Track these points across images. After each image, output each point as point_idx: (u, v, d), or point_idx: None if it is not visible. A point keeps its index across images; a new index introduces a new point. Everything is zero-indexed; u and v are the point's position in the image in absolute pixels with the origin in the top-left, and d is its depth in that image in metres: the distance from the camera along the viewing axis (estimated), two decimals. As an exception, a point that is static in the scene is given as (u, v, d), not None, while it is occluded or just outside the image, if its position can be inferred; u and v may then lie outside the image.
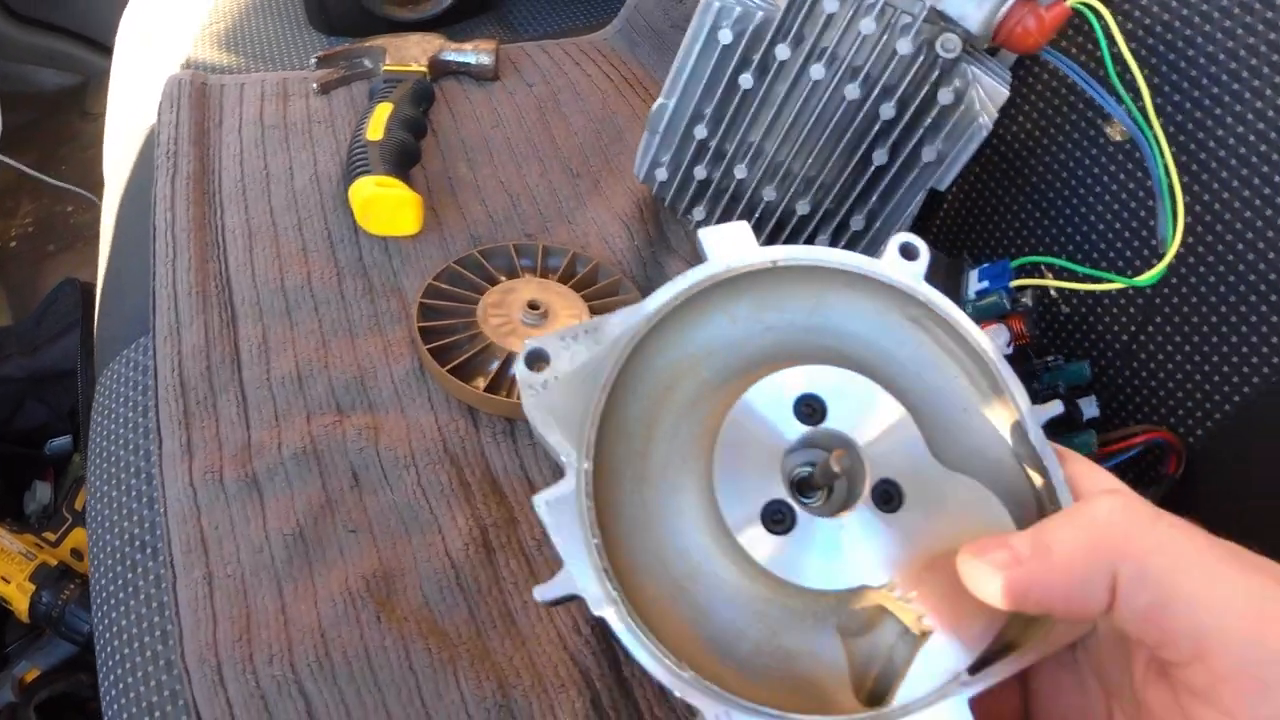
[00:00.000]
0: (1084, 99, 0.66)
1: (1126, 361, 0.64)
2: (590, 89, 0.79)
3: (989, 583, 0.26)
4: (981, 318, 0.62)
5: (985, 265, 0.62)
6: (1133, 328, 0.63)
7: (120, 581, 0.61)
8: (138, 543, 0.62)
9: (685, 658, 0.27)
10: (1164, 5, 0.60)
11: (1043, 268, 0.64)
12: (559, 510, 0.28)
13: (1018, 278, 0.62)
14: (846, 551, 0.29)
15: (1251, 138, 0.58)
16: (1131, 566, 0.24)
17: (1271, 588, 0.23)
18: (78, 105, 1.65)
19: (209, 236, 0.69)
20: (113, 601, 0.61)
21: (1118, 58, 0.59)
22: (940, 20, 0.57)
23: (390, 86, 0.74)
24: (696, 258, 0.75)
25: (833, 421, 0.30)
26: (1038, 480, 0.31)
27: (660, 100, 0.64)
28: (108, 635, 0.61)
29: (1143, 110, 0.58)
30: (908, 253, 0.33)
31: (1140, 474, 0.61)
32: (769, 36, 0.59)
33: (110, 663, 0.60)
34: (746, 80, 0.60)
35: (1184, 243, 0.59)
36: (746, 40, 0.60)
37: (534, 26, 0.93)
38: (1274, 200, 0.57)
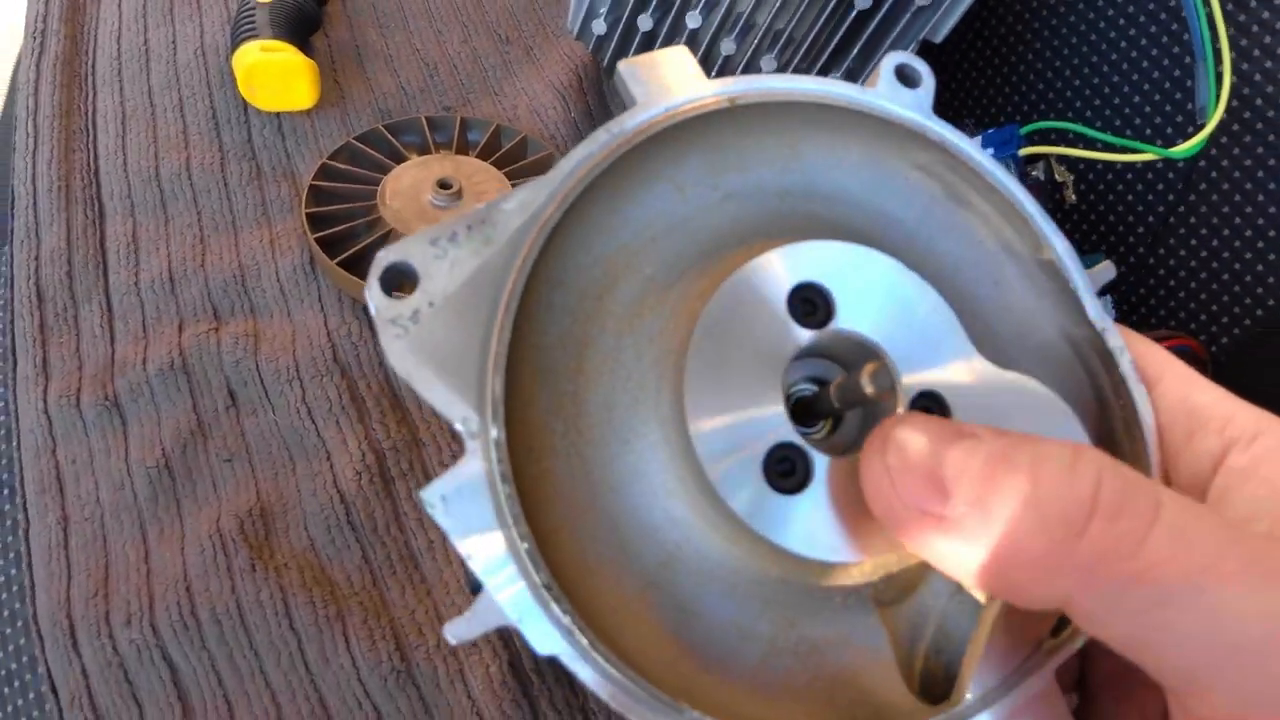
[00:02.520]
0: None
1: (1148, 255, 0.51)
2: (529, -58, 0.67)
3: (889, 513, 0.18)
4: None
5: (990, 130, 0.50)
6: (1161, 209, 0.51)
7: (-23, 528, 0.53)
8: (-3, 483, 0.53)
9: (673, 682, 0.18)
10: None
11: (1068, 137, 0.52)
12: (462, 505, 0.18)
13: (1028, 146, 0.50)
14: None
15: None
16: (1097, 600, 0.16)
17: None
18: None
19: (77, 123, 0.59)
20: (-28, 552, 0.53)
21: None
22: None
23: (287, -60, 0.62)
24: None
25: (843, 319, 0.20)
26: (1099, 369, 0.21)
27: (594, -73, 0.52)
28: (-31, 592, 0.53)
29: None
30: (907, 78, 0.23)
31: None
32: None
33: (-30, 624, 0.52)
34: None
35: (1225, 111, 0.46)
36: None
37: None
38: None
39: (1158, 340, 0.22)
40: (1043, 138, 0.54)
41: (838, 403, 0.20)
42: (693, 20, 0.52)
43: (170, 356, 0.50)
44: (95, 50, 0.62)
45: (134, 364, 0.50)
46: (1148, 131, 0.52)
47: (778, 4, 0.50)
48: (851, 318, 0.20)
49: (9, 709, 0.47)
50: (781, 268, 0.20)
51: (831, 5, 0.49)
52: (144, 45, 0.62)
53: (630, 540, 0.20)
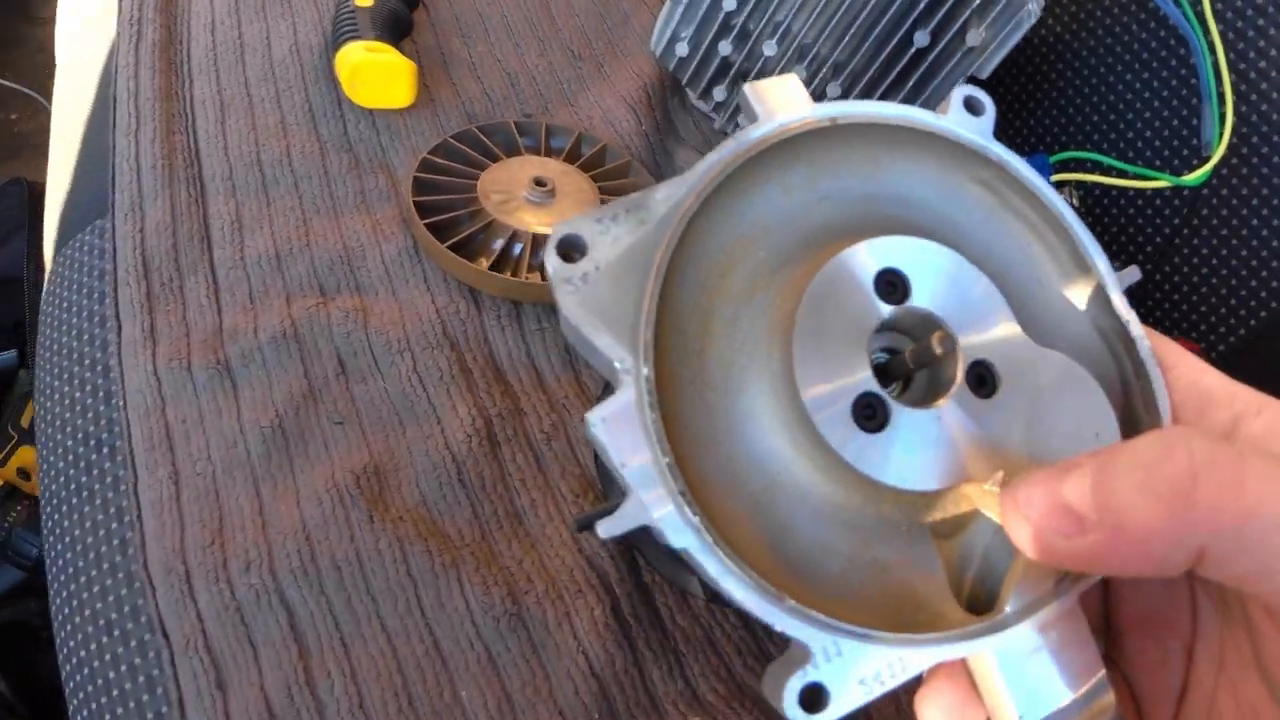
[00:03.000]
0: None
1: (1155, 270, 0.59)
2: (596, -31, 0.73)
3: (1045, 548, 0.21)
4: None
5: (1023, 158, 0.57)
6: (1167, 230, 0.58)
7: (73, 486, 0.54)
8: (93, 441, 0.55)
9: (773, 583, 0.22)
10: None
11: (1090, 163, 0.59)
12: (617, 428, 0.22)
13: (1057, 173, 0.57)
14: (945, 445, 0.24)
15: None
16: (1227, 537, 0.19)
17: None
18: (24, 9, 1.54)
19: (176, 107, 0.62)
20: (64, 509, 0.55)
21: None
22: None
23: (379, -48, 0.67)
24: (707, 148, 0.68)
25: (917, 298, 0.25)
26: (1124, 355, 0.26)
27: (688, -36, 0.58)
28: (59, 548, 0.55)
29: (1197, 8, 0.54)
30: (973, 107, 0.28)
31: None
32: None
33: (62, 578, 0.53)
34: (788, -58, 0.54)
35: (1229, 144, 0.54)
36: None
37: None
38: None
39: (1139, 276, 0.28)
40: (1065, 166, 0.61)
41: (912, 363, 0.24)
42: (768, 49, 0.57)
43: (282, 326, 0.53)
44: (190, 40, 0.65)
45: (245, 332, 0.53)
46: (1158, 162, 0.59)
47: (844, 39, 0.56)
48: (923, 297, 0.25)
49: (106, 658, 0.49)
50: (868, 256, 0.25)
51: (894, 43, 0.56)
52: (239, 39, 0.65)
53: (740, 468, 0.24)
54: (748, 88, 0.27)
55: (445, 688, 0.44)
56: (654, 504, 0.22)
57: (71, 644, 0.51)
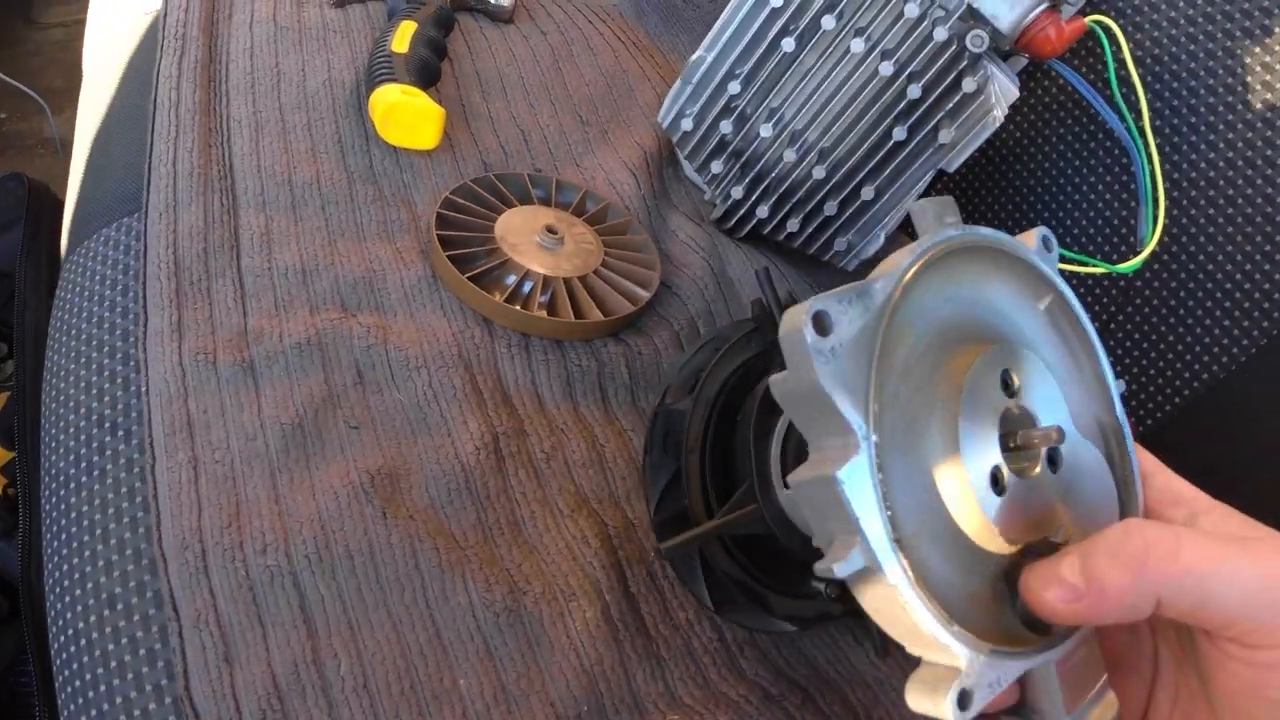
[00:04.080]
0: (1078, 106, 0.72)
1: None
2: (602, 45, 0.80)
3: (1054, 612, 0.30)
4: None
5: None
6: (1104, 316, 0.68)
7: (82, 464, 0.57)
8: (106, 424, 0.58)
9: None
10: (1165, 33, 0.66)
11: None
12: (854, 484, 0.28)
13: None
14: (1034, 508, 0.32)
15: (1227, 159, 0.64)
16: (1172, 586, 0.29)
17: (1274, 565, 0.29)
18: (24, 12, 1.55)
19: (213, 123, 0.66)
20: (71, 485, 0.57)
21: (1121, 74, 0.64)
22: (972, 17, 0.61)
23: (413, 8, 0.73)
24: (696, 215, 0.76)
25: (1021, 396, 0.33)
26: (1115, 449, 0.36)
27: (699, 53, 0.66)
28: (63, 521, 0.57)
29: (1139, 124, 0.64)
30: (1048, 245, 0.37)
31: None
32: (817, 6, 0.62)
33: (64, 551, 0.56)
34: (789, 44, 0.63)
35: (1160, 241, 0.65)
36: (795, 6, 0.63)
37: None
38: (1240, 216, 0.63)
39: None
40: None
41: (1023, 447, 0.32)
42: (764, 131, 0.66)
43: (306, 334, 0.57)
44: (229, 62, 0.70)
45: (270, 335, 0.57)
46: (1098, 251, 0.69)
47: (831, 128, 0.65)
48: (1024, 394, 0.33)
49: (106, 630, 0.52)
50: (998, 357, 0.33)
51: (875, 135, 0.64)
52: (275, 67, 0.70)
53: (920, 520, 0.30)
54: (914, 206, 0.34)
55: (445, 675, 0.48)
56: (878, 551, 0.28)
57: (68, 615, 0.54)
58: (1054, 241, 0.37)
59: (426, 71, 0.68)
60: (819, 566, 0.28)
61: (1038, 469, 0.32)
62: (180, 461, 0.54)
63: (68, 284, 0.65)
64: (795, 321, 0.28)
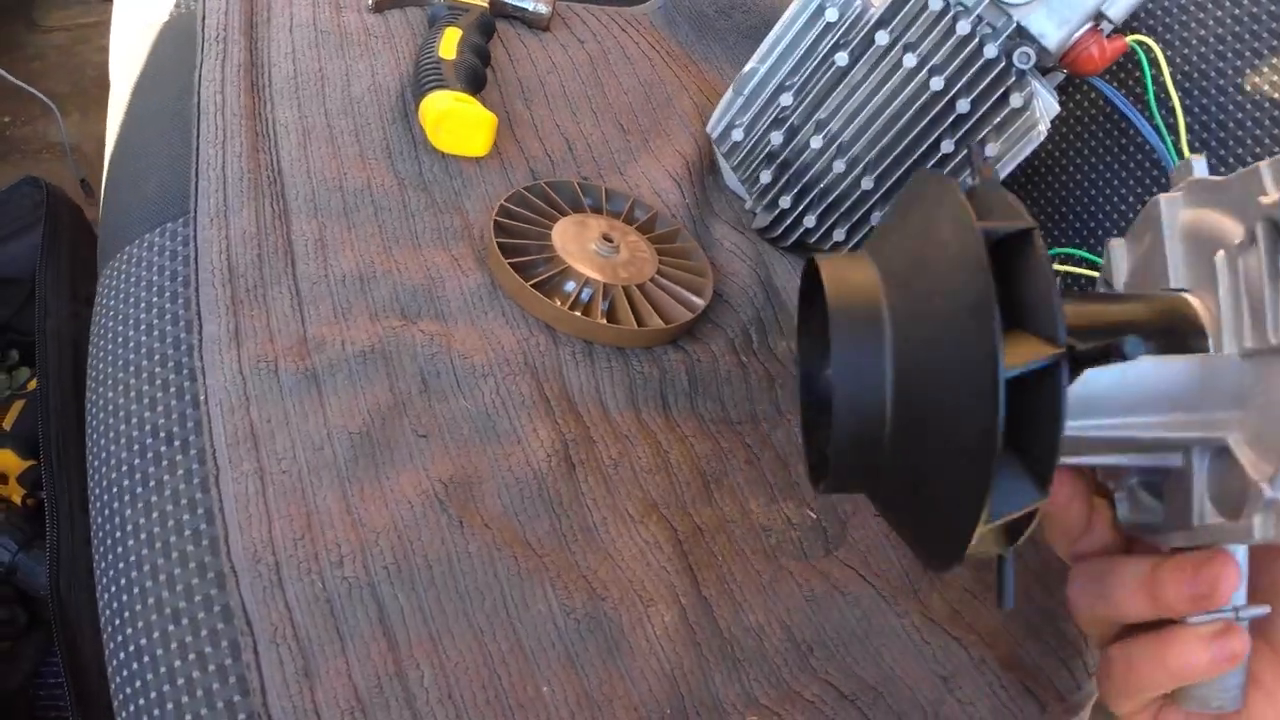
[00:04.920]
0: (1110, 119, 0.74)
1: None
2: (638, 54, 0.81)
3: None
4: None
5: None
6: None
7: (138, 476, 0.56)
8: (163, 434, 0.57)
9: None
10: (1204, 54, 0.68)
11: (1076, 258, 0.70)
12: None
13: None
14: None
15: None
16: None
17: None
18: (25, 15, 1.51)
19: (260, 127, 0.65)
20: (126, 498, 0.56)
21: (1160, 89, 0.66)
22: (1020, 35, 0.63)
23: (456, 14, 0.72)
24: (738, 224, 0.77)
25: None
26: None
27: (752, 64, 0.67)
28: (117, 535, 0.55)
29: (1177, 142, 0.66)
30: None
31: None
32: (871, 22, 0.63)
33: (120, 565, 0.54)
34: (842, 58, 0.64)
35: None
36: (849, 22, 0.64)
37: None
38: None
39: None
40: (1056, 260, 0.72)
41: None
42: (815, 142, 0.66)
43: (370, 341, 0.57)
44: (271, 67, 0.69)
45: (332, 343, 0.57)
46: None
47: (880, 142, 0.66)
48: None
49: (172, 646, 0.50)
50: None
51: (923, 148, 0.65)
52: (319, 71, 0.69)
53: None
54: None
55: (529, 683, 0.48)
56: None
57: (127, 631, 0.52)
58: None
59: (475, 78, 0.68)
60: None
61: None
62: (246, 472, 0.53)
63: (110, 290, 0.63)
64: None
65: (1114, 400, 0.33)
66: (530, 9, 0.79)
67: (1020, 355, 0.28)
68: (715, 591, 0.54)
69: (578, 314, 0.59)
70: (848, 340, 0.32)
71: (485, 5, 0.76)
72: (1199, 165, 0.38)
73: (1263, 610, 0.34)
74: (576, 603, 0.50)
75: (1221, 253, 0.34)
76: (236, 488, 0.52)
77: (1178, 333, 0.34)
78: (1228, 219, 0.35)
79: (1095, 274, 0.69)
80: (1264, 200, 0.31)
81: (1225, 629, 0.33)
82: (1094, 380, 0.32)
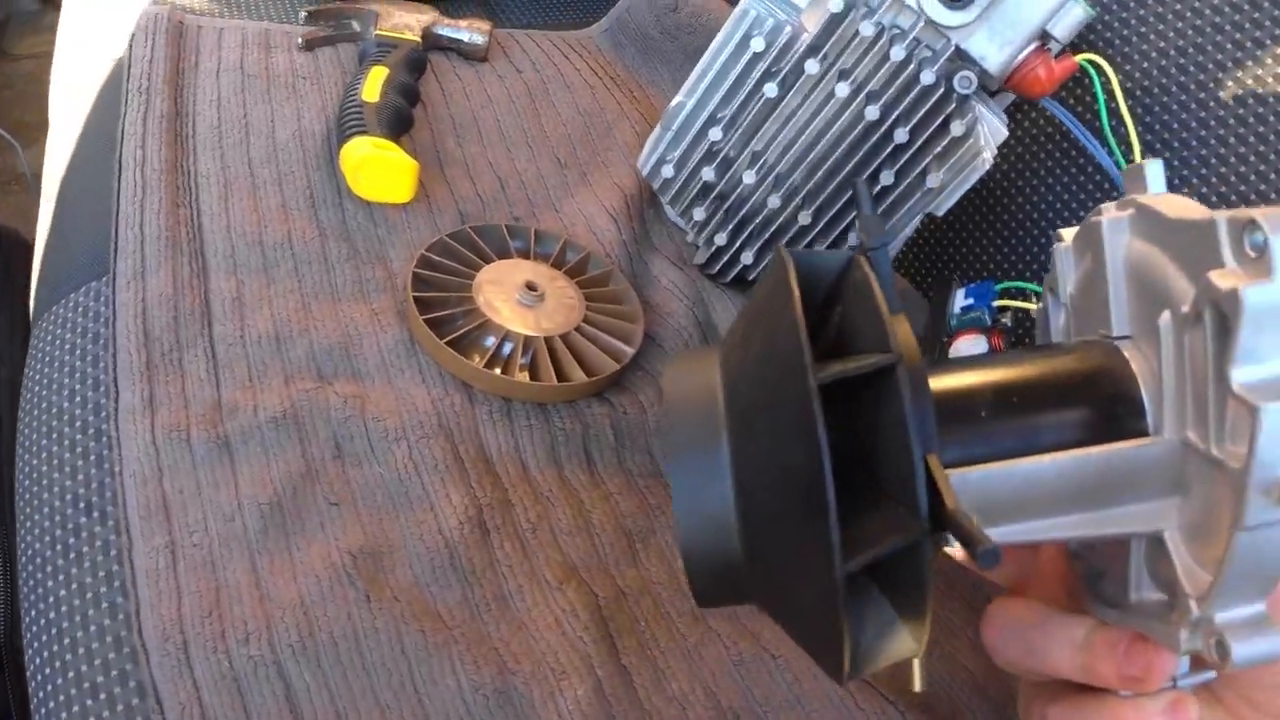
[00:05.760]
0: (1066, 139, 0.71)
1: None
2: (579, 82, 0.79)
3: None
4: (963, 329, 0.65)
5: (971, 285, 0.65)
6: None
7: (59, 546, 0.56)
8: (82, 504, 0.57)
9: None
10: (1154, 68, 0.65)
11: (1028, 293, 0.68)
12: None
13: (1001, 299, 0.66)
14: None
15: (1220, 193, 0.63)
16: None
17: None
18: None
19: (181, 180, 0.64)
20: (48, 569, 0.56)
21: (1113, 111, 0.63)
22: (960, 59, 0.60)
23: (384, 51, 0.71)
24: (679, 259, 0.75)
25: None
26: None
27: (679, 98, 0.65)
28: (41, 606, 0.56)
29: (1129, 158, 0.63)
30: None
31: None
32: (800, 50, 0.61)
33: (44, 637, 0.54)
34: (771, 89, 0.61)
35: None
36: (777, 51, 0.61)
37: (512, 15, 0.91)
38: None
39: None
40: (1008, 294, 0.70)
41: None
42: (748, 177, 0.64)
43: (282, 407, 0.56)
44: (195, 116, 0.68)
45: (245, 409, 0.56)
46: None
47: (816, 173, 0.64)
48: None
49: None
50: None
51: (863, 179, 0.63)
52: (244, 119, 0.68)
53: None
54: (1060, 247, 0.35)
55: (435, 762, 0.48)
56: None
57: (51, 705, 0.53)
58: None
59: (399, 121, 0.67)
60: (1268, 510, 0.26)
61: None
62: (158, 546, 0.52)
63: (37, 352, 0.63)
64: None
65: (1032, 501, 0.30)
66: (466, 40, 0.77)
67: (872, 535, 0.26)
68: (636, 659, 0.53)
69: (495, 371, 0.58)
70: (686, 471, 0.30)
71: (417, 39, 0.74)
72: (1153, 173, 0.34)
73: (1206, 677, 0.32)
74: (485, 678, 0.49)
75: (1167, 315, 0.30)
76: (148, 562, 0.52)
77: (1112, 414, 0.31)
78: (1178, 274, 0.30)
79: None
80: (1215, 281, 0.27)
81: (1177, 701, 0.31)
82: (1003, 480, 0.29)
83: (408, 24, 0.74)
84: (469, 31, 0.77)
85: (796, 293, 0.27)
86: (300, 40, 0.74)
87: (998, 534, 0.30)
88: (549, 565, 0.55)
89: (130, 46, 0.70)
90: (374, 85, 0.67)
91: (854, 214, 0.64)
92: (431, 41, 0.76)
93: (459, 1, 0.83)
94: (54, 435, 0.59)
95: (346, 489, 0.55)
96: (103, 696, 0.51)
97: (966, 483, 0.29)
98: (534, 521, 0.56)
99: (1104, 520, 0.30)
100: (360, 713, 0.49)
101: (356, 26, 0.75)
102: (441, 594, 0.52)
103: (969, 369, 0.33)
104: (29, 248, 0.87)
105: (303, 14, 0.77)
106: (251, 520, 0.53)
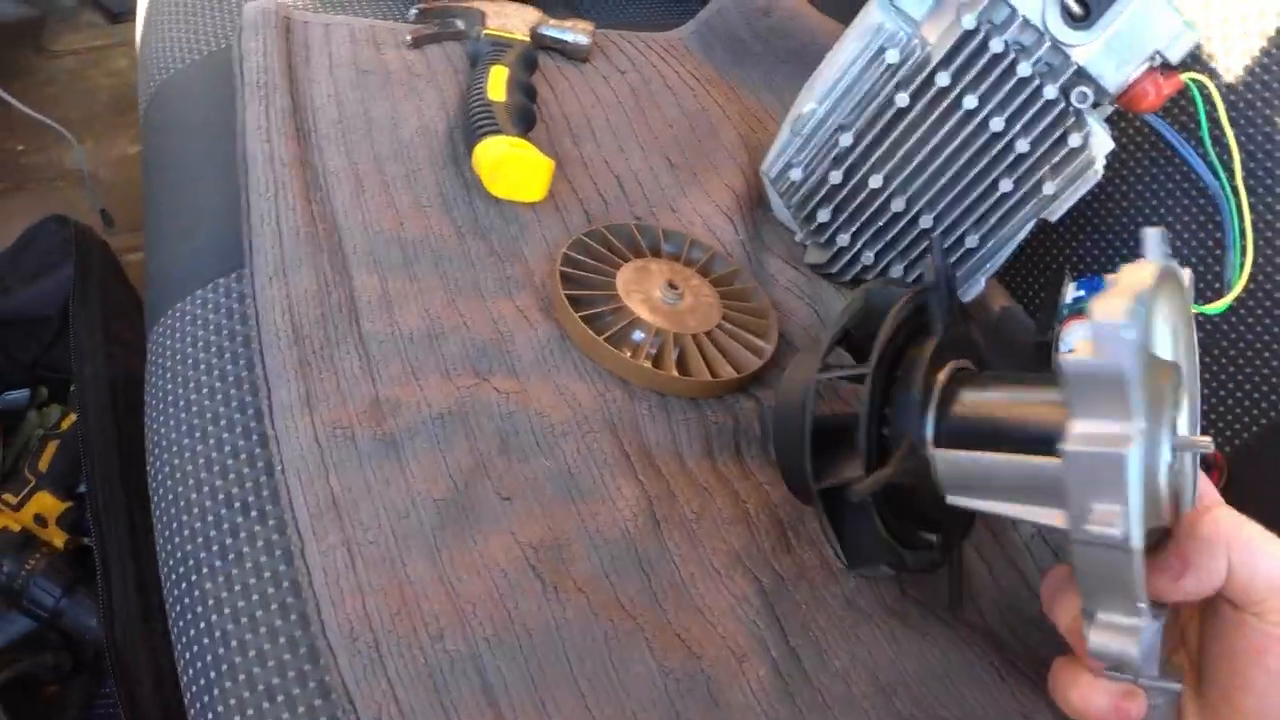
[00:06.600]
0: (1158, 150, 0.74)
1: None
2: (678, 83, 0.80)
3: (1163, 592, 0.37)
4: (1073, 315, 0.68)
5: (1083, 279, 0.68)
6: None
7: (215, 548, 0.55)
8: (237, 504, 0.55)
9: None
10: (1251, 86, 0.69)
11: None
12: (1132, 464, 0.32)
13: None
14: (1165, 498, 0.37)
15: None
16: (1236, 557, 0.36)
17: None
18: (34, 40, 1.47)
19: (310, 176, 0.64)
20: (204, 570, 0.54)
21: (1215, 132, 0.67)
22: (1079, 75, 0.63)
23: (499, 50, 0.71)
24: (791, 258, 0.77)
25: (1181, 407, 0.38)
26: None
27: (810, 105, 0.66)
28: (198, 609, 0.54)
29: (1231, 178, 0.67)
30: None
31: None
32: (933, 64, 0.63)
33: (205, 640, 0.53)
34: (903, 99, 0.63)
35: (1247, 284, 0.68)
36: (911, 64, 0.63)
37: (597, 14, 0.91)
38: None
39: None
40: None
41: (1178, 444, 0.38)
42: (875, 181, 0.66)
43: (447, 403, 0.56)
44: (315, 111, 0.67)
45: (408, 405, 0.56)
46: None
47: (941, 180, 0.66)
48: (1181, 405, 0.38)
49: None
50: (1178, 374, 0.38)
51: (982, 187, 0.66)
52: (366, 115, 0.68)
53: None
54: (1147, 231, 0.37)
55: (640, 748, 0.48)
56: (1134, 526, 0.32)
57: (219, 708, 0.51)
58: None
59: (527, 119, 0.67)
60: (1084, 530, 0.33)
61: (1179, 461, 0.37)
62: (332, 544, 0.52)
63: (162, 349, 0.62)
64: (1116, 313, 0.31)
65: (993, 484, 0.42)
66: (570, 40, 0.77)
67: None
68: (801, 641, 0.54)
69: (651, 367, 0.58)
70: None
71: (527, 39, 0.74)
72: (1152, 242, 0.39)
73: (1172, 687, 0.38)
74: (674, 663, 0.50)
75: None
76: (324, 560, 0.51)
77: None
78: None
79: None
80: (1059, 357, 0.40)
81: (1129, 693, 0.38)
82: (974, 463, 0.42)
83: (515, 24, 0.74)
84: (573, 32, 0.77)
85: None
86: (408, 38, 0.73)
87: (970, 503, 0.43)
88: (715, 554, 0.55)
89: (242, 41, 0.69)
90: (498, 84, 0.67)
91: (974, 218, 0.67)
92: (538, 41, 0.76)
93: (546, 2, 0.83)
94: (197, 434, 0.58)
95: (516, 483, 0.55)
96: (280, 699, 0.50)
97: (957, 460, 0.44)
98: (697, 512, 0.56)
99: (1031, 511, 0.39)
100: (559, 702, 0.49)
101: (462, 25, 0.75)
102: (623, 584, 0.53)
103: (992, 387, 0.46)
104: (104, 246, 0.84)
105: (412, 11, 0.76)
106: (427, 515, 0.53)
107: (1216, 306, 0.66)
